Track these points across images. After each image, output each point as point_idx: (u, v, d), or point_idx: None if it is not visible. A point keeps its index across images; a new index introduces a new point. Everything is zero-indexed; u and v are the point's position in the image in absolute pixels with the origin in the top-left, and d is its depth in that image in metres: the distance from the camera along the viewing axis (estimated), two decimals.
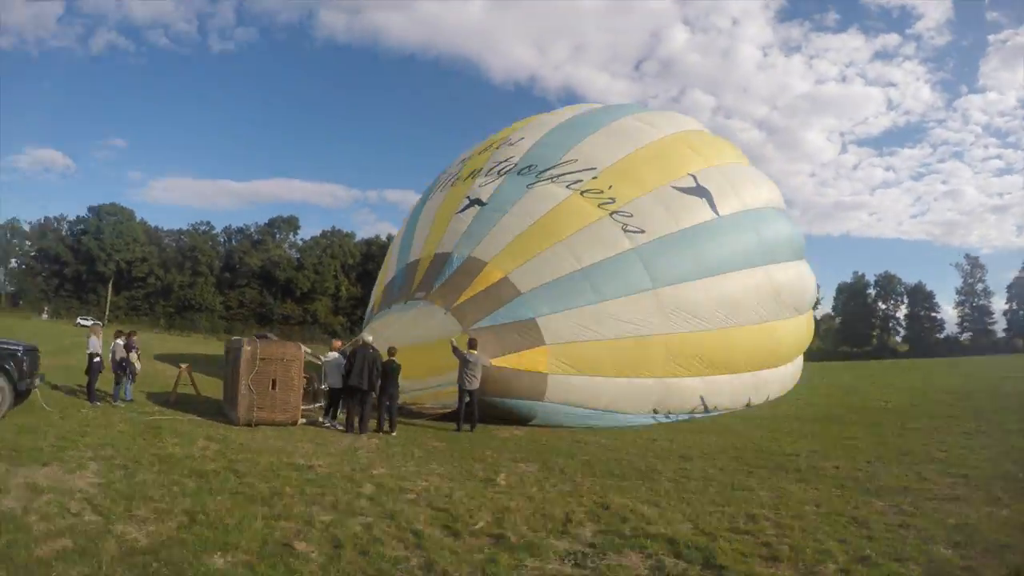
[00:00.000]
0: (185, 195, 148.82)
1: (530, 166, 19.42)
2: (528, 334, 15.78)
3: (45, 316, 74.30)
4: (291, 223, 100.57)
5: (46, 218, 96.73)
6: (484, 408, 15.14)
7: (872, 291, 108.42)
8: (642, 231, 17.28)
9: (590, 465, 11.07)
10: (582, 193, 18.04)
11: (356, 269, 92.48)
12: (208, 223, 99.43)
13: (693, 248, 17.59)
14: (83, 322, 63.68)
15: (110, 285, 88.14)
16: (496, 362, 15.23)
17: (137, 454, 9.62)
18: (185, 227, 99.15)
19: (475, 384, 14.64)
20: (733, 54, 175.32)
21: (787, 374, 21.60)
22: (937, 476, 10.16)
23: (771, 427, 16.28)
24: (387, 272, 21.65)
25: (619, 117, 21.72)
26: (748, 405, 19.34)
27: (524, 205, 18.23)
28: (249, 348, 13.31)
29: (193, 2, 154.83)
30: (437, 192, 22.10)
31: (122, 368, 15.41)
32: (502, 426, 15.18)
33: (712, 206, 18.49)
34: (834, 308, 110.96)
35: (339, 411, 14.54)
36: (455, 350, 14.72)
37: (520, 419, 15.81)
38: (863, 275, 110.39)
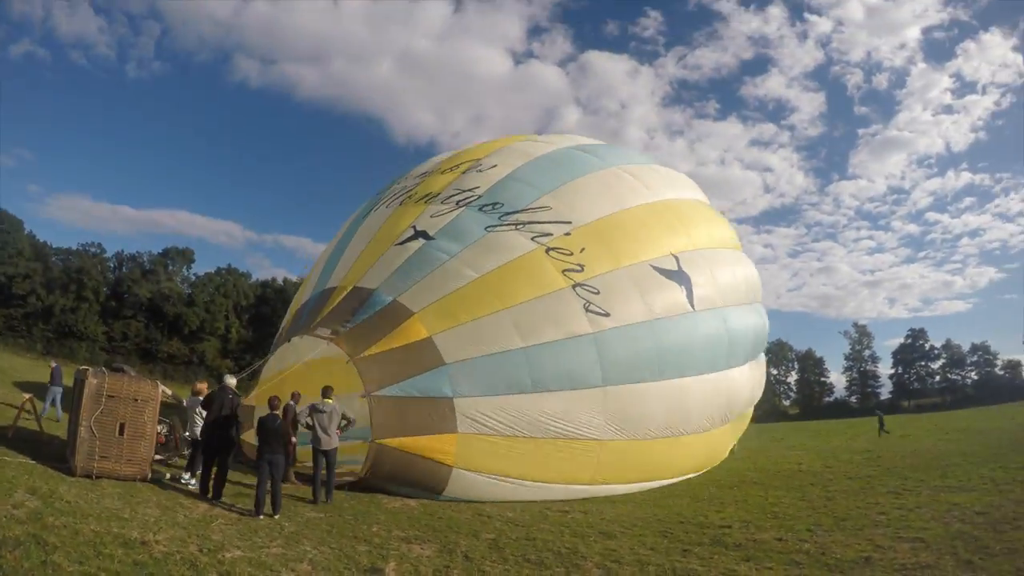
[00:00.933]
0: (80, 216, 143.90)
1: (495, 203, 16.44)
2: (439, 416, 13.12)
3: None
4: (186, 255, 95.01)
5: None
6: (369, 487, 13.01)
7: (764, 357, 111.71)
8: (607, 314, 14.66)
9: (498, 547, 9.36)
10: (548, 251, 15.27)
11: (249, 311, 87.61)
12: (99, 245, 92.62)
13: (659, 343, 15.26)
14: None
15: None
16: (392, 442, 12.80)
17: None
18: (75, 246, 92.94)
19: (333, 443, 12.18)
20: (621, 134, 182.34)
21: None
22: (892, 542, 9.49)
23: (689, 494, 15.24)
24: (304, 292, 18.75)
25: (611, 165, 18.84)
26: None
27: (476, 251, 15.30)
28: (95, 381, 10.95)
29: (117, 30, 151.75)
30: (382, 207, 18.72)
31: None
32: (392, 494, 13.07)
33: (689, 297, 16.26)
34: None
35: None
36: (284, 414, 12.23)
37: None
38: None
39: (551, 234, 15.58)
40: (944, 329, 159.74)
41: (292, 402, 13.35)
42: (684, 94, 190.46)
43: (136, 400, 11.22)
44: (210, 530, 8.78)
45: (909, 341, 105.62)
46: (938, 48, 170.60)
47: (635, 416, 14.72)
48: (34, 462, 11.18)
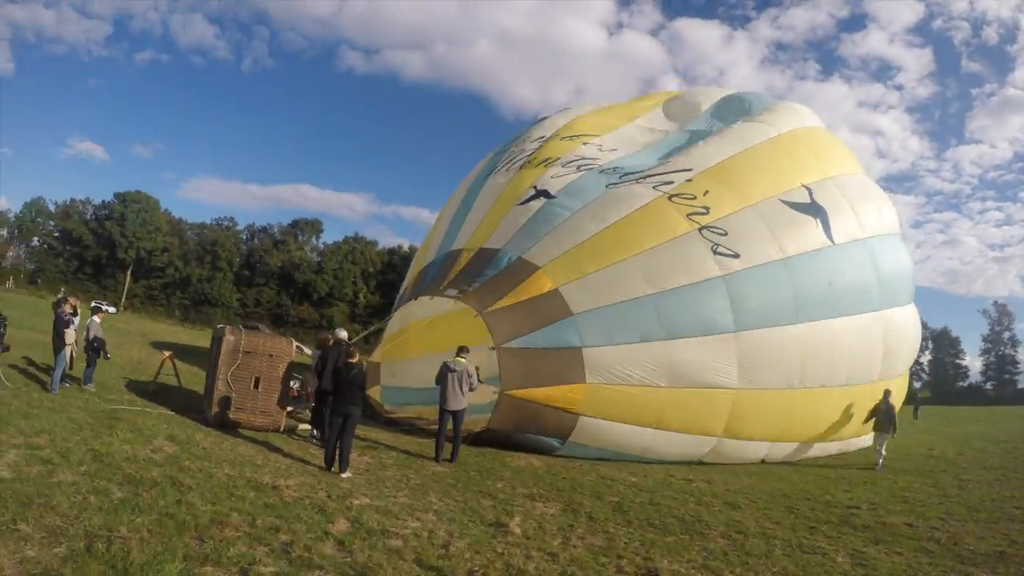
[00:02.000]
0: (212, 195, 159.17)
1: (616, 168, 16.33)
2: (568, 366, 12.98)
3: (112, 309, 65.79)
4: (314, 226, 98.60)
5: (72, 200, 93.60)
6: (495, 439, 13.12)
7: None
8: (736, 255, 14.01)
9: (622, 510, 9.23)
10: (670, 197, 14.79)
11: (376, 277, 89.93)
12: (231, 219, 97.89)
13: (796, 283, 14.37)
14: (97, 306, 60.60)
15: (128, 272, 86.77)
16: (519, 393, 12.81)
17: (72, 447, 7.97)
18: (208, 221, 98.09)
19: (461, 403, 11.78)
20: None
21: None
22: None
23: (815, 472, 14.70)
24: (425, 255, 18.62)
25: (730, 124, 17.73)
26: None
27: (599, 206, 15.03)
28: (232, 338, 11.47)
29: (232, 35, 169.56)
30: (501, 172, 18.44)
31: (95, 349, 13.59)
32: (516, 452, 13.05)
33: (827, 230, 15.11)
34: None
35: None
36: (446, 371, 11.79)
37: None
38: None
39: (672, 182, 15.14)
40: None
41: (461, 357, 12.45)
42: (782, 56, 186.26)
43: (271, 356, 11.66)
44: (339, 479, 9.04)
45: None
46: None
47: (770, 362, 14.03)
48: (173, 413, 11.80)
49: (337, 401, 10.07)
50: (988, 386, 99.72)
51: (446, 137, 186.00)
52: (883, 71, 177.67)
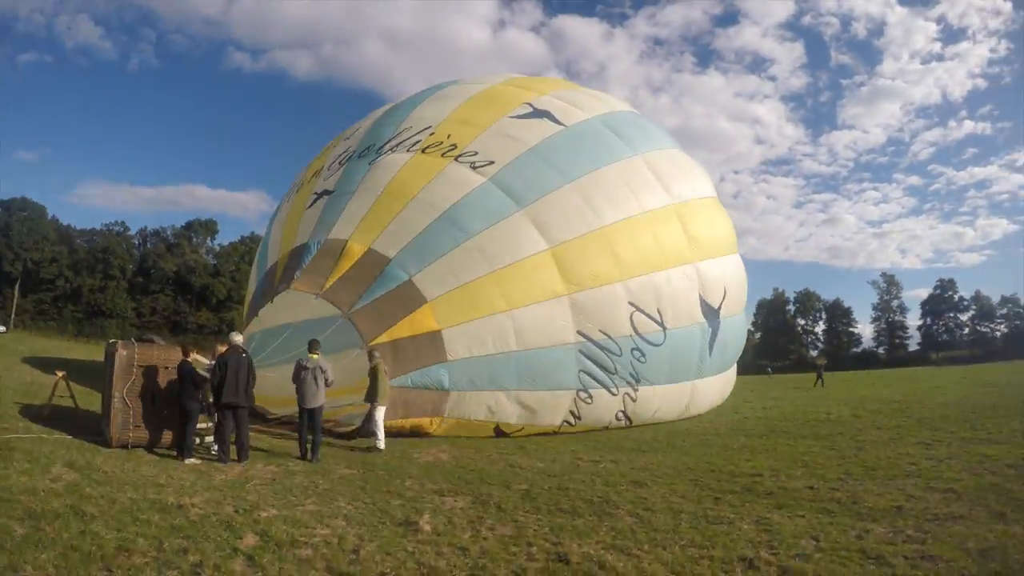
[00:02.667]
0: (102, 198, 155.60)
1: (369, 147, 18.85)
2: (408, 297, 14.88)
3: (2, 328, 58.00)
4: (209, 227, 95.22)
5: None
6: (392, 404, 13.64)
7: (791, 307, 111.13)
8: (491, 163, 16.79)
9: (531, 497, 9.36)
10: (423, 151, 17.59)
11: None
12: (122, 223, 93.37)
13: (548, 160, 17.03)
14: None
15: (16, 286, 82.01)
16: (382, 338, 14.15)
17: None
18: (98, 227, 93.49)
19: (318, 400, 11.99)
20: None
21: (729, 271, 19.76)
22: (923, 492, 9.34)
23: (719, 443, 15.13)
24: (250, 290, 21.07)
25: (444, 87, 21.37)
26: (713, 309, 18.18)
27: (369, 179, 17.51)
28: (125, 353, 11.07)
29: (119, 38, 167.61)
30: (285, 203, 21.46)
31: None
32: (424, 447, 13.29)
33: (555, 120, 18.13)
34: (754, 324, 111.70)
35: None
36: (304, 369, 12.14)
37: (433, 405, 14.63)
38: (783, 291, 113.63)
39: (420, 140, 17.98)
40: (966, 281, 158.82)
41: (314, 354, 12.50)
42: (659, 50, 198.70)
43: (166, 368, 11.33)
44: (245, 491, 8.88)
45: (938, 292, 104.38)
46: None
47: (562, 217, 16.20)
48: (71, 437, 11.28)
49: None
50: (880, 351, 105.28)
51: (337, 134, 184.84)
52: (757, 63, 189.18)
